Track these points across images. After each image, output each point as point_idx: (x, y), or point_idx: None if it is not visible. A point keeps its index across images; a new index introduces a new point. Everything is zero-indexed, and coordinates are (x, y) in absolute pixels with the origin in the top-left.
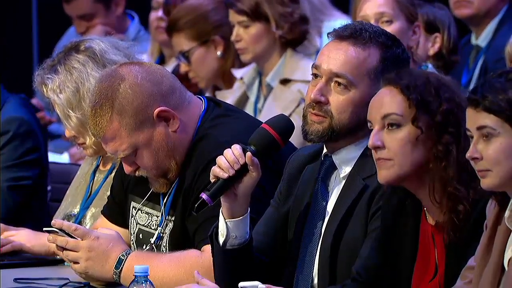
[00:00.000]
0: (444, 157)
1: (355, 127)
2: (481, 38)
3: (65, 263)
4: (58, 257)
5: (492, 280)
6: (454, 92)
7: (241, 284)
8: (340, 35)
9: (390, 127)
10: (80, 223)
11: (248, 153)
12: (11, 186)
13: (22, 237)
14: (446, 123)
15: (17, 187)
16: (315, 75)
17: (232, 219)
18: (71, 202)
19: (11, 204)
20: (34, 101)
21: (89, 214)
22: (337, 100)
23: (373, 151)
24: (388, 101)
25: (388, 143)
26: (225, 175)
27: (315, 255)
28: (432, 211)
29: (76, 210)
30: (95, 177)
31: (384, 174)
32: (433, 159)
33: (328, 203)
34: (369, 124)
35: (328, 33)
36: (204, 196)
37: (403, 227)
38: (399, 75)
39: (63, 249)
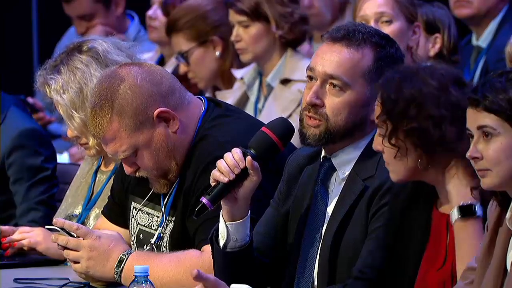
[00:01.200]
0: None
1: (352, 128)
2: (482, 39)
3: (67, 263)
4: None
5: (495, 282)
6: (424, 80)
7: (232, 286)
8: (333, 37)
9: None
10: (83, 223)
11: (248, 157)
12: (51, 195)
13: (39, 236)
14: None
15: (53, 196)
16: (310, 78)
17: (233, 222)
18: (71, 203)
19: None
20: (32, 101)
21: (92, 214)
22: (333, 102)
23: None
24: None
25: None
26: (225, 179)
27: (315, 258)
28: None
29: (77, 210)
30: (97, 178)
31: (393, 170)
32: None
33: (328, 205)
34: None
35: (321, 36)
36: (204, 200)
37: (413, 218)
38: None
39: (64, 248)
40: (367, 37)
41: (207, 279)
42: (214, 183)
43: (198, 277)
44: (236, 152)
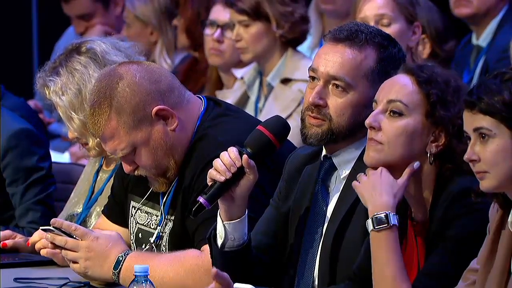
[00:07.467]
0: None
1: (354, 129)
2: (482, 38)
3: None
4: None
5: (499, 285)
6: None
7: (235, 285)
8: (336, 37)
9: (392, 113)
10: (84, 221)
11: (245, 156)
12: (48, 194)
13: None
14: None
15: (50, 195)
16: (312, 78)
17: (230, 222)
18: (74, 203)
19: (52, 211)
20: (32, 103)
21: (94, 213)
22: (336, 103)
23: (369, 130)
24: (399, 87)
25: (385, 127)
26: (222, 178)
27: (316, 258)
28: (416, 209)
29: (79, 209)
30: (98, 177)
31: (372, 155)
32: (425, 156)
33: (329, 204)
34: (373, 104)
35: (323, 36)
36: (201, 199)
37: None
38: (420, 67)
39: (62, 248)
40: (369, 38)
41: (223, 277)
42: (211, 183)
43: (218, 276)
44: (232, 151)
